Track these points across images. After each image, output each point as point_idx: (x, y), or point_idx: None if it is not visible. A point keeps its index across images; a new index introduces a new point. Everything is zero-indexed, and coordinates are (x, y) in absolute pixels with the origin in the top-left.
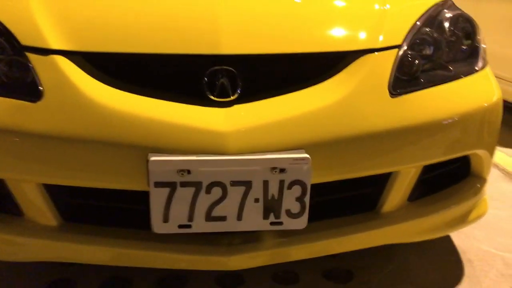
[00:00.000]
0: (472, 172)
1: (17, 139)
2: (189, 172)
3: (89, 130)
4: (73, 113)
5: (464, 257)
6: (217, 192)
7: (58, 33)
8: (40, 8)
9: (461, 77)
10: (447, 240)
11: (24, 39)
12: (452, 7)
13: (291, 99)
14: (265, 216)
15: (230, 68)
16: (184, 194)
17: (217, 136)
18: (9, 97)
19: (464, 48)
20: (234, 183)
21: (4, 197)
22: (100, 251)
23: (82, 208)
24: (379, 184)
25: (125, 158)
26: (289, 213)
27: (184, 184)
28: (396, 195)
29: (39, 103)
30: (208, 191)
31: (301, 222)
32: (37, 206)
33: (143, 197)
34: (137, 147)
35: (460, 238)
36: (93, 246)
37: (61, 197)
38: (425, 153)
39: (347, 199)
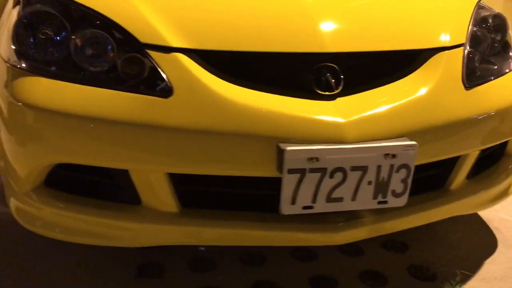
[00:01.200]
0: (507, 152)
1: (150, 133)
2: (317, 159)
3: (221, 123)
4: (204, 108)
5: (491, 225)
6: (338, 176)
7: (174, 32)
8: (149, 7)
9: (507, 71)
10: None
11: (144, 38)
12: (486, 6)
13: (385, 91)
14: (375, 196)
15: (333, 64)
16: (311, 179)
17: (337, 126)
18: (140, 93)
19: (499, 44)
20: (353, 168)
21: (124, 187)
22: (221, 233)
23: (196, 194)
24: (448, 165)
25: (256, 148)
26: (393, 193)
27: (312, 170)
28: (462, 174)
29: (170, 98)
30: (331, 176)
31: (402, 201)
32: (158, 194)
33: (258, 183)
34: (267, 138)
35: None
36: (214, 228)
37: (181, 185)
38: (489, 137)
39: (422, 179)
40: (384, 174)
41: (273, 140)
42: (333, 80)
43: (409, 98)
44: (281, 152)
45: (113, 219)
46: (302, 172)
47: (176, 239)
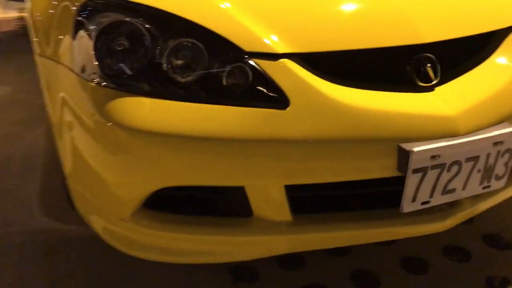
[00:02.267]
0: None
1: (268, 147)
2: (439, 156)
3: (342, 130)
4: (322, 116)
5: None
6: (455, 169)
7: (276, 37)
8: (242, 12)
9: None
10: None
11: (248, 46)
12: None
13: (475, 75)
14: (481, 183)
15: (430, 54)
16: (432, 175)
17: (450, 120)
18: (254, 107)
19: None
20: (468, 160)
21: (235, 200)
22: (334, 236)
23: (307, 200)
24: None
25: (376, 151)
26: (496, 177)
27: (433, 167)
28: None
29: (288, 109)
30: (449, 169)
31: (502, 183)
32: (272, 205)
33: (368, 182)
34: (387, 140)
35: None
36: (328, 232)
37: (294, 192)
38: None
39: None
40: (491, 160)
41: (393, 141)
42: (431, 70)
43: (504, 81)
44: (405, 153)
45: (223, 234)
46: (425, 170)
47: (289, 247)
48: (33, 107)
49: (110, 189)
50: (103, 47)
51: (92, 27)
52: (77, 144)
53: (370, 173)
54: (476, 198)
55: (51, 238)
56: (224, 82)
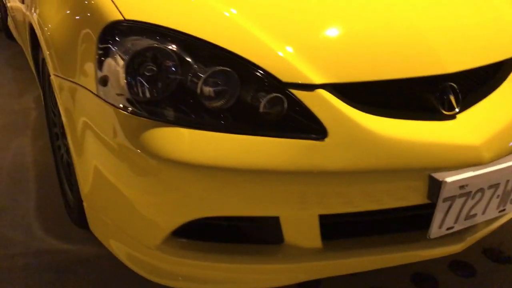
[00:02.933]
0: None
1: (307, 178)
2: (466, 185)
3: (378, 161)
4: (359, 147)
5: None
6: (478, 196)
7: (311, 67)
8: (275, 40)
9: None
10: None
11: (285, 77)
12: None
13: (492, 102)
14: (498, 207)
15: (453, 83)
16: (458, 203)
17: (475, 149)
18: (292, 138)
19: None
20: (490, 187)
21: (267, 229)
22: (364, 260)
23: (333, 226)
24: None
25: (408, 180)
26: (511, 201)
27: (461, 195)
28: None
29: (327, 140)
30: (473, 197)
31: None
32: (305, 233)
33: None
34: (419, 169)
35: None
36: (358, 257)
37: (325, 220)
38: None
39: None
40: (510, 186)
41: (423, 171)
42: (454, 99)
43: None
44: (437, 183)
45: (253, 262)
46: (453, 198)
47: (317, 274)
48: (11, 113)
49: (140, 219)
50: (134, 74)
51: (120, 52)
52: (102, 170)
53: (401, 201)
54: (491, 220)
55: (57, 259)
56: (261, 113)
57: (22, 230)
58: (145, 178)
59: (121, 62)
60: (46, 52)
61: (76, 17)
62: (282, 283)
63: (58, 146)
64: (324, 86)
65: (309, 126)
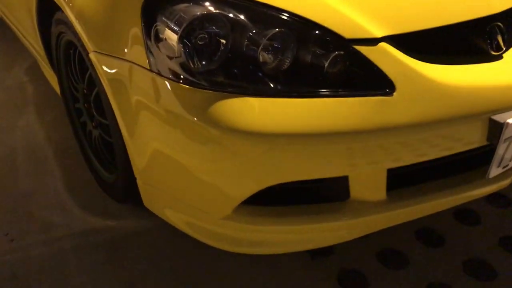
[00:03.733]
0: None
1: (376, 135)
2: None
3: (443, 110)
4: (425, 98)
5: None
6: None
7: (370, 20)
8: (340, 0)
9: None
10: None
11: (348, 33)
12: None
13: None
14: None
15: (499, 23)
16: None
17: None
18: (361, 96)
19: None
20: None
21: (333, 187)
22: (425, 206)
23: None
24: None
25: (471, 125)
26: None
27: None
28: None
29: (395, 94)
30: None
31: None
32: (372, 188)
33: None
34: (481, 113)
35: None
36: (419, 204)
37: (391, 172)
38: None
39: None
40: None
41: (485, 114)
42: (501, 39)
43: None
44: (498, 125)
45: (323, 221)
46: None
47: (382, 225)
48: (6, 89)
49: (207, 191)
50: (189, 44)
51: (171, 22)
52: (163, 146)
53: (462, 146)
54: None
55: (104, 237)
56: (327, 73)
57: (59, 211)
58: (213, 151)
59: (173, 34)
60: (78, 27)
61: None
62: (347, 238)
63: (83, 122)
64: (385, 39)
65: (376, 82)
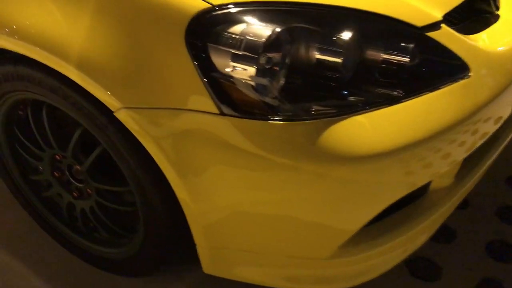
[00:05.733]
0: None
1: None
2: None
3: (509, 76)
4: (493, 69)
5: None
6: None
7: (426, 3)
8: None
9: None
10: None
11: (419, 21)
12: None
13: None
14: None
15: None
16: None
17: None
18: (447, 84)
19: None
20: None
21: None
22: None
23: None
24: None
25: None
26: None
27: None
28: None
29: (472, 75)
30: None
31: None
32: (446, 176)
33: None
34: None
35: None
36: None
37: None
38: None
39: None
40: None
41: None
42: None
43: None
44: None
45: (418, 223)
46: None
47: (453, 206)
48: None
49: (313, 234)
50: (265, 71)
51: (240, 48)
52: (249, 199)
53: None
54: None
55: None
56: (411, 68)
57: None
58: (320, 187)
59: (245, 64)
60: (84, 82)
61: (137, 25)
62: (432, 232)
63: (46, 197)
64: (443, 20)
65: (452, 68)
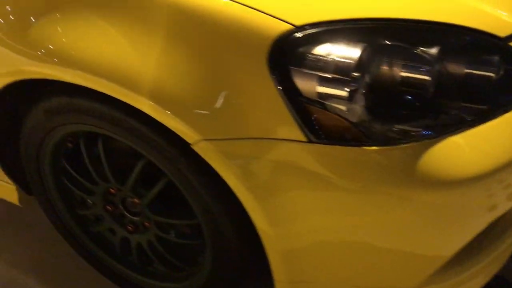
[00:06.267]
0: None
1: None
2: None
3: None
4: None
5: None
6: None
7: (502, 11)
8: None
9: None
10: None
11: (501, 31)
12: None
13: None
14: None
15: None
16: None
17: None
18: None
19: None
20: None
21: None
22: None
23: None
24: None
25: None
26: None
27: None
28: None
29: None
30: None
31: None
32: None
33: None
34: None
35: None
36: None
37: None
38: None
39: None
40: None
41: None
42: None
43: None
44: None
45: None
46: None
47: None
48: None
49: (407, 261)
50: (363, 94)
51: (328, 71)
52: (339, 228)
53: None
54: None
55: None
56: (496, 81)
57: None
58: (417, 213)
59: (336, 88)
60: (156, 113)
61: (213, 51)
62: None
63: (96, 232)
64: None
65: None
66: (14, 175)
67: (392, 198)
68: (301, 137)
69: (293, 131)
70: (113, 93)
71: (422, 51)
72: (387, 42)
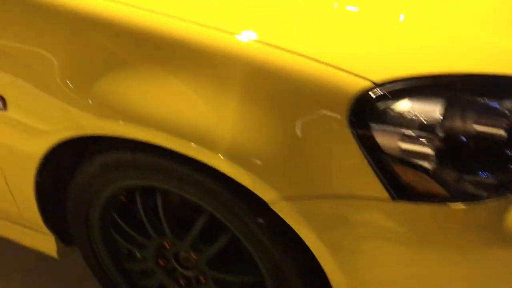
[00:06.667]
0: None
1: None
2: None
3: None
4: None
5: None
6: None
7: None
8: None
9: None
10: None
11: None
12: None
13: None
14: None
15: None
16: None
17: None
18: None
19: None
20: None
21: None
22: None
23: None
24: None
25: None
26: None
27: None
28: None
29: None
30: None
31: None
32: None
33: None
34: None
35: None
36: None
37: None
38: None
39: None
40: None
41: None
42: None
43: None
44: None
45: None
46: None
47: None
48: None
49: None
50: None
51: (415, 128)
52: None
53: None
54: None
55: None
56: None
57: None
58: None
59: (411, 144)
60: (232, 168)
61: (291, 109)
62: None
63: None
64: None
65: None
66: (53, 226)
67: (474, 254)
68: (384, 194)
69: (376, 188)
70: (185, 151)
71: (500, 104)
72: (466, 97)
